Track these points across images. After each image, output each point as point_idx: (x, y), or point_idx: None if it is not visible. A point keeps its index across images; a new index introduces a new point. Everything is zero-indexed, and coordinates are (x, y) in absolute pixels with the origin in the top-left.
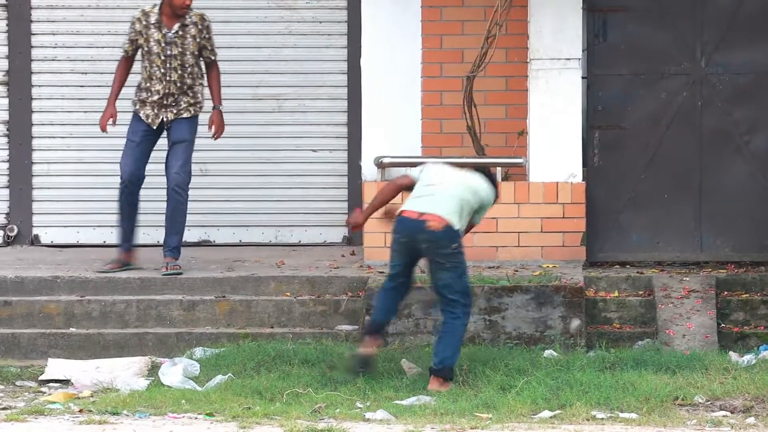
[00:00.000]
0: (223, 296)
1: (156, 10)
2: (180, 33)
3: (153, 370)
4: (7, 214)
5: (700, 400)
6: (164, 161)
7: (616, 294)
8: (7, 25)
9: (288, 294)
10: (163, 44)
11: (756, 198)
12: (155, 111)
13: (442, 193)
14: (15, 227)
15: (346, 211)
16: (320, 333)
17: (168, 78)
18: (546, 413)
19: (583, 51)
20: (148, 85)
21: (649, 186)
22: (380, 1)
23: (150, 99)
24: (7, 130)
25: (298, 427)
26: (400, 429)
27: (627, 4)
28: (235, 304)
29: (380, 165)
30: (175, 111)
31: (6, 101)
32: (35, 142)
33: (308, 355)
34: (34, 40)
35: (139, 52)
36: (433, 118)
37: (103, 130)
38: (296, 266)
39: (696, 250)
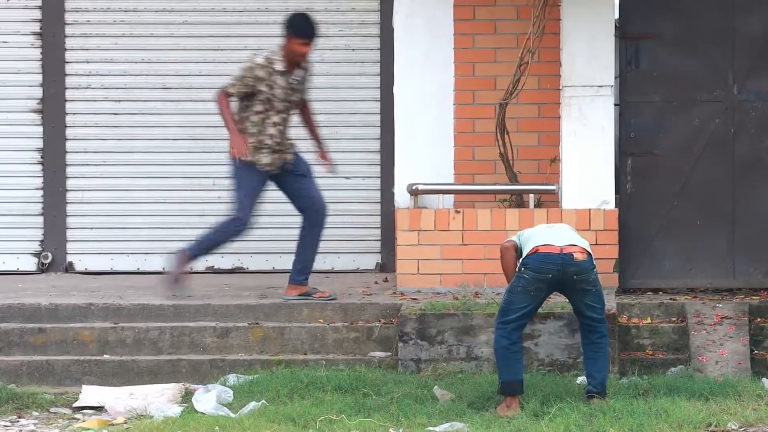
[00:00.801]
0: (257, 323)
1: (278, 57)
2: (300, 79)
3: (186, 396)
4: (41, 241)
5: (734, 427)
6: (288, 198)
7: (649, 320)
8: (41, 53)
9: (321, 321)
10: (288, 91)
11: None
12: (273, 156)
13: (565, 231)
14: (49, 254)
15: (379, 238)
16: (353, 360)
17: (286, 123)
18: None
19: (615, 78)
20: (261, 129)
21: (681, 213)
22: (413, 28)
23: (265, 143)
24: (42, 157)
25: None
26: None
27: (659, 32)
28: (269, 331)
29: (413, 192)
30: (291, 151)
31: (40, 129)
32: (69, 170)
33: (341, 382)
34: (68, 68)
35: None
36: (466, 145)
37: (245, 156)
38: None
39: (729, 276)
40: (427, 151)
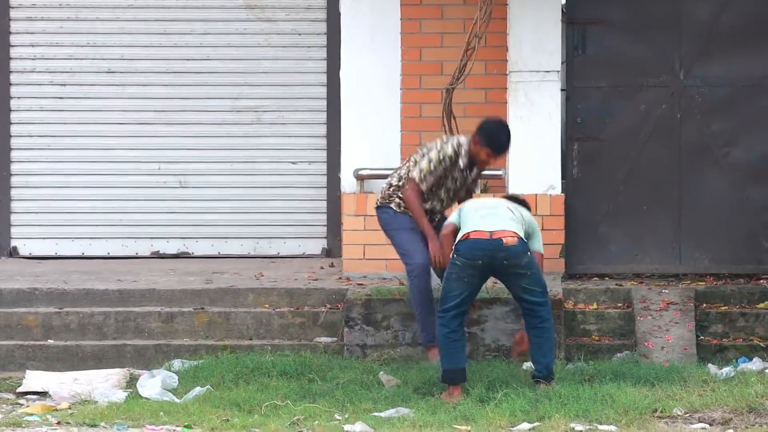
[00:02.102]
0: (202, 308)
1: (464, 152)
2: (474, 177)
3: (131, 382)
4: None
5: (679, 413)
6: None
7: (595, 306)
8: None
9: (267, 306)
10: (459, 182)
11: (734, 210)
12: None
13: (499, 214)
14: None
15: (326, 223)
16: (299, 345)
17: (446, 203)
18: (525, 425)
19: (562, 63)
20: (427, 198)
21: (628, 198)
22: (359, 13)
23: (425, 208)
24: None
25: None
26: None
27: (606, 17)
28: (214, 316)
29: (359, 177)
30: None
31: None
32: (13, 154)
33: (287, 368)
34: (13, 52)
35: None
36: (413, 130)
37: (444, 264)
38: (275, 278)
39: (675, 262)
40: (373, 136)
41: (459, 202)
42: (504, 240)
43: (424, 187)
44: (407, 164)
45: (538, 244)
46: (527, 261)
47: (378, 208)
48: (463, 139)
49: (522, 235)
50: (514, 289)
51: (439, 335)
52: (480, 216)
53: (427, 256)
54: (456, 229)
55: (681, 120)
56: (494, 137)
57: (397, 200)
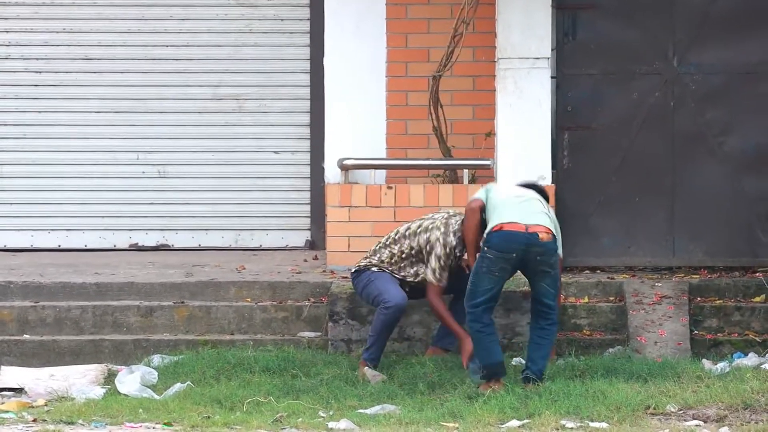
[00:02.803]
0: (182, 302)
1: (460, 236)
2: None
3: (109, 378)
4: None
5: (673, 409)
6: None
7: (586, 300)
8: None
9: (249, 300)
10: (448, 266)
11: (729, 201)
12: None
13: (533, 206)
14: None
15: (309, 215)
16: (282, 340)
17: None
18: (514, 422)
19: (552, 50)
20: (401, 266)
21: (620, 189)
22: None
23: (398, 275)
24: None
25: None
26: None
27: (597, 2)
28: (194, 310)
29: (343, 167)
30: None
31: None
32: None
33: (269, 363)
34: None
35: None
36: (398, 118)
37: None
38: (257, 271)
39: (668, 254)
40: (358, 125)
41: None
42: (540, 235)
43: (444, 284)
44: (398, 246)
45: (559, 248)
46: (555, 260)
47: (356, 271)
48: (454, 220)
49: (555, 231)
50: (536, 285)
51: (472, 331)
52: (514, 206)
53: (406, 301)
54: (482, 207)
55: (674, 108)
56: None
57: (390, 269)
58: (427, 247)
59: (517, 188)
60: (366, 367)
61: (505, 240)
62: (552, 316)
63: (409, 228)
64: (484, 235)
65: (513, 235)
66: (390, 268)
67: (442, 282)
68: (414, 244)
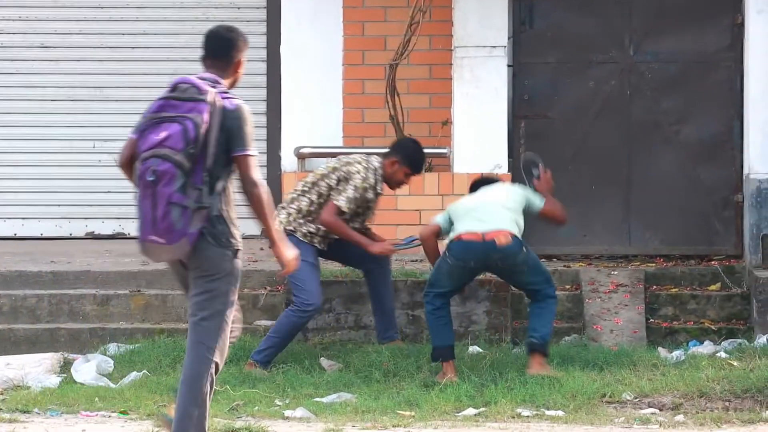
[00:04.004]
0: (138, 290)
1: (380, 177)
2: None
3: (65, 366)
4: None
5: (628, 397)
6: (347, 262)
7: None
8: None
9: None
10: (370, 208)
11: (685, 190)
12: (327, 240)
13: (492, 211)
14: None
15: None
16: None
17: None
18: (470, 411)
19: (509, 38)
20: (319, 214)
21: (576, 177)
22: None
23: (320, 233)
24: None
25: (215, 426)
26: (321, 427)
27: None
28: (151, 299)
29: (300, 155)
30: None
31: None
32: None
33: None
34: None
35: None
36: (355, 107)
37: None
38: None
39: (624, 243)
40: (314, 114)
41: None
42: (497, 240)
43: (347, 215)
44: (316, 189)
45: (540, 202)
46: (523, 258)
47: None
48: (377, 162)
49: (517, 229)
50: (513, 283)
51: (426, 313)
52: (472, 216)
53: (322, 301)
54: (438, 230)
55: (630, 97)
56: (414, 157)
57: (305, 230)
58: (346, 178)
59: (478, 197)
60: (250, 365)
61: (462, 250)
62: (546, 291)
63: (326, 169)
64: (447, 242)
65: (469, 245)
66: (310, 219)
67: (346, 213)
68: (332, 182)
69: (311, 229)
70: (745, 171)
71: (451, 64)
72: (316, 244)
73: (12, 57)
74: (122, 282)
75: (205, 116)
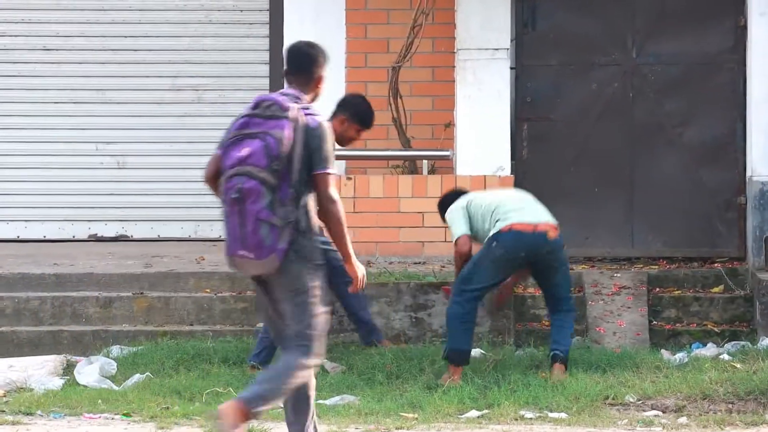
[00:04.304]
0: (141, 293)
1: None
2: None
3: (68, 369)
4: None
5: (631, 400)
6: None
7: None
8: None
9: (208, 291)
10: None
11: (688, 192)
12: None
13: (534, 204)
14: None
15: None
16: (241, 330)
17: None
18: (473, 413)
19: (511, 41)
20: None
21: (578, 179)
22: None
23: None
24: None
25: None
26: (324, 429)
27: None
28: (154, 301)
29: None
30: None
31: None
32: None
33: (228, 354)
34: None
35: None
36: None
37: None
38: (216, 262)
39: (627, 245)
40: None
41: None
42: (548, 233)
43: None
44: None
45: None
46: (564, 255)
47: None
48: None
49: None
50: (546, 284)
51: (451, 314)
52: (521, 207)
53: None
54: (471, 240)
55: (633, 99)
56: (364, 112)
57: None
58: None
59: (508, 191)
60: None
61: (514, 240)
62: (568, 305)
63: None
64: (492, 234)
65: (522, 235)
66: None
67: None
68: None
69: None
70: (748, 173)
71: (453, 67)
72: None
73: (14, 60)
74: (125, 284)
75: (288, 132)
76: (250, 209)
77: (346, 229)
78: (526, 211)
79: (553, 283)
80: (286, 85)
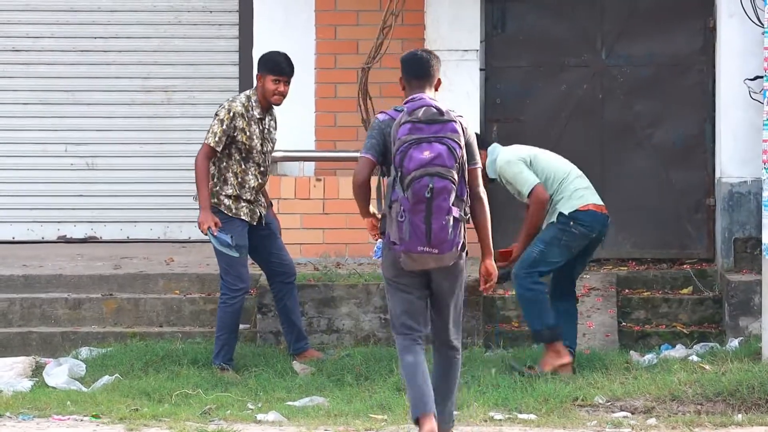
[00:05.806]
0: (110, 294)
1: (254, 103)
2: (271, 125)
3: (37, 370)
4: None
5: (601, 401)
6: (257, 257)
7: (515, 292)
8: None
9: (177, 292)
10: (262, 139)
11: (657, 193)
12: (251, 207)
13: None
14: None
15: None
16: (210, 332)
17: (263, 173)
18: None
19: (481, 42)
20: (240, 181)
21: None
22: None
23: (245, 196)
24: None
25: (187, 429)
26: (293, 431)
27: None
28: (123, 303)
29: (272, 159)
30: (263, 203)
31: None
32: None
33: (198, 355)
34: None
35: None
36: (327, 110)
37: (205, 233)
38: (186, 263)
39: None
40: (287, 117)
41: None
42: (610, 218)
43: (219, 147)
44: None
45: None
46: None
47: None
48: (247, 92)
49: None
50: (577, 265)
51: (532, 294)
52: (586, 183)
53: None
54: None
55: (603, 100)
56: (272, 59)
57: (223, 197)
58: (214, 116)
59: (559, 157)
60: (224, 371)
61: (593, 220)
62: (574, 287)
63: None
64: (567, 212)
65: (598, 216)
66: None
67: (215, 147)
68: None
69: (228, 192)
70: (717, 174)
71: None
72: (243, 217)
73: None
74: (94, 286)
75: (460, 134)
76: (441, 206)
77: (489, 225)
78: (592, 189)
79: (580, 264)
80: (408, 89)
